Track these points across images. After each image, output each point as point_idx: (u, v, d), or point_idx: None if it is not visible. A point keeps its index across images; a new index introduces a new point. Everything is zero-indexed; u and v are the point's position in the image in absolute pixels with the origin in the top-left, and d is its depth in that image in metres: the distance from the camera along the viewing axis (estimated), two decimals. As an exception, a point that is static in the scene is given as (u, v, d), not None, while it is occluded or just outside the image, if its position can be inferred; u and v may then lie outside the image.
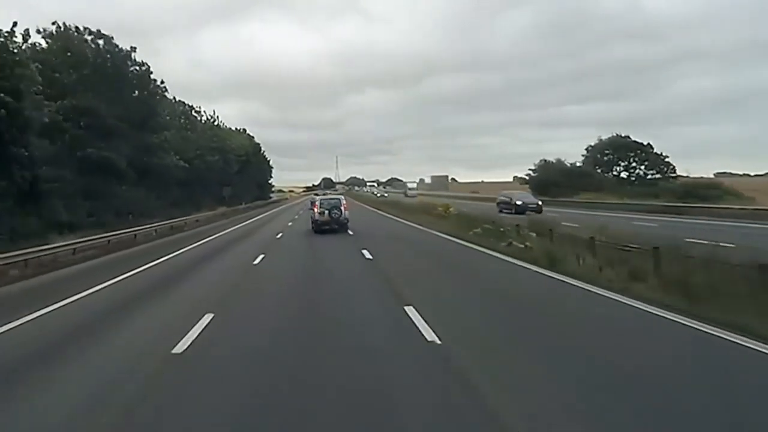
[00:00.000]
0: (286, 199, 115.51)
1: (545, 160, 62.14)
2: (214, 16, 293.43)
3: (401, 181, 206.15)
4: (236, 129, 71.76)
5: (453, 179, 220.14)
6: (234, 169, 59.39)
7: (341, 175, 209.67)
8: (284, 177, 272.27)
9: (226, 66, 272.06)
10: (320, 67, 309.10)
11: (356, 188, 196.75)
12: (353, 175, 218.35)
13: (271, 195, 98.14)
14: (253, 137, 78.97)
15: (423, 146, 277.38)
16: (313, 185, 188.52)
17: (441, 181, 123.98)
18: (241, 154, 63.22)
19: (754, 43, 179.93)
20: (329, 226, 24.45)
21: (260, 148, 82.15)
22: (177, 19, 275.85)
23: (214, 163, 47.79)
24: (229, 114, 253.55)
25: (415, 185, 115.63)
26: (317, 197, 29.45)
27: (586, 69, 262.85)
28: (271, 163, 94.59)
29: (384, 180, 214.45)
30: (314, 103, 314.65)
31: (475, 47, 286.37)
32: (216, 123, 56.05)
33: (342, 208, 24.95)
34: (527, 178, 65.54)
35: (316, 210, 25.34)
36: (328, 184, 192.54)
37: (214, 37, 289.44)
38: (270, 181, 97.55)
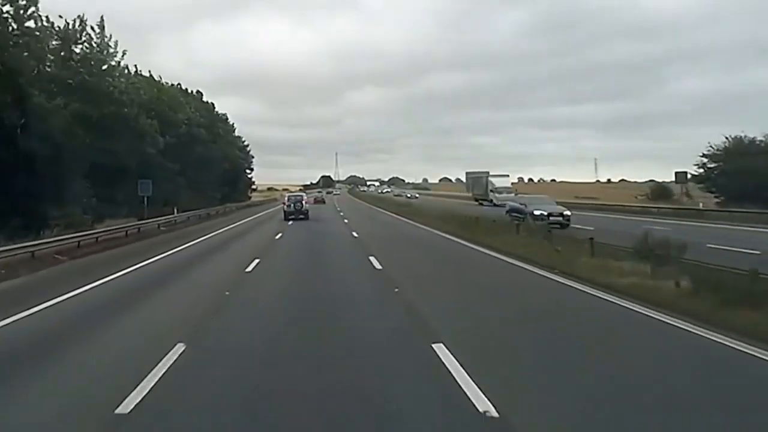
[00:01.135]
0: (275, 200, 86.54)
1: (735, 138, 33.65)
2: (208, 13, 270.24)
3: (403, 180, 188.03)
4: (177, 86, 43.05)
5: (458, 179, 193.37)
6: (157, 146, 30.85)
7: (341, 173, 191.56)
8: (282, 175, 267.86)
9: (222, 63, 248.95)
10: (317, 64, 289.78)
11: (362, 188, 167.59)
12: (353, 174, 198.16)
13: (251, 195, 69.42)
14: (212, 105, 50.30)
15: (422, 145, 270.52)
16: (311, 183, 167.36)
17: (482, 182, 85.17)
18: (179, 122, 34.70)
19: (755, 43, 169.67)
20: (294, 215, 33.25)
21: (229, 123, 53.65)
22: (170, 14, 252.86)
23: (85, 120, 19.04)
24: (225, 111, 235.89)
25: (509, 183, 57.01)
26: (285, 195, 42.24)
27: (585, 68, 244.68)
28: (250, 150, 66.03)
29: (387, 179, 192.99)
30: (312, 101, 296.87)
31: (472, 45, 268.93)
32: (114, 56, 26.20)
33: (303, 202, 34.79)
34: (699, 173, 37.00)
35: (285, 204, 35.31)
36: (327, 182, 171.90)
37: (209, 34, 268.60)
38: (250, 176, 68.72)
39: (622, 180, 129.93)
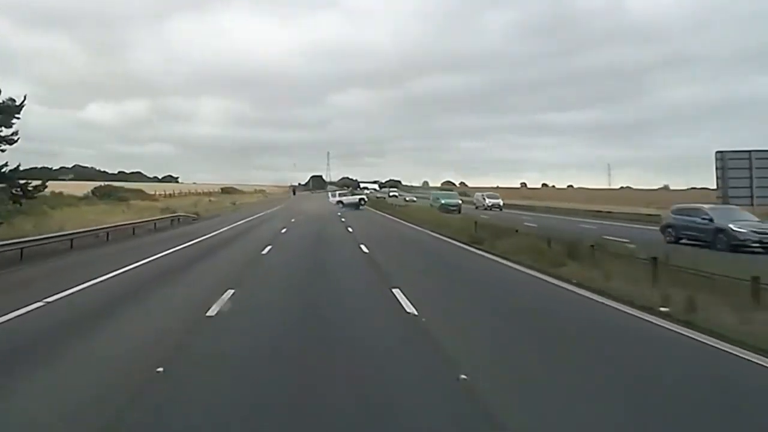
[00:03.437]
0: (194, 218, 36.99)
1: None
2: (193, 10, 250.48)
3: (400, 182, 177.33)
4: None
5: (462, 182, 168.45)
6: None
7: (333, 176, 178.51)
8: (270, 176, 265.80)
9: (207, 63, 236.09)
10: (305, 65, 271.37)
11: (365, 191, 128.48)
12: (345, 176, 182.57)
13: (30, 192, 18.50)
14: None
15: (414, 148, 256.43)
16: (300, 184, 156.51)
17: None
18: None
19: (744, 51, 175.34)
20: (340, 204, 57.18)
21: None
22: (148, 9, 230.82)
23: None
24: (211, 111, 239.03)
25: None
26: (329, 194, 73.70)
27: (577, 73, 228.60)
28: None
29: (384, 181, 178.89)
30: (301, 102, 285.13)
31: (464, 47, 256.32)
32: None
33: (338, 197, 63.22)
34: None
35: (331, 197, 64.93)
36: (318, 184, 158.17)
37: (194, 32, 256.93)
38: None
39: (627, 187, 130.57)
